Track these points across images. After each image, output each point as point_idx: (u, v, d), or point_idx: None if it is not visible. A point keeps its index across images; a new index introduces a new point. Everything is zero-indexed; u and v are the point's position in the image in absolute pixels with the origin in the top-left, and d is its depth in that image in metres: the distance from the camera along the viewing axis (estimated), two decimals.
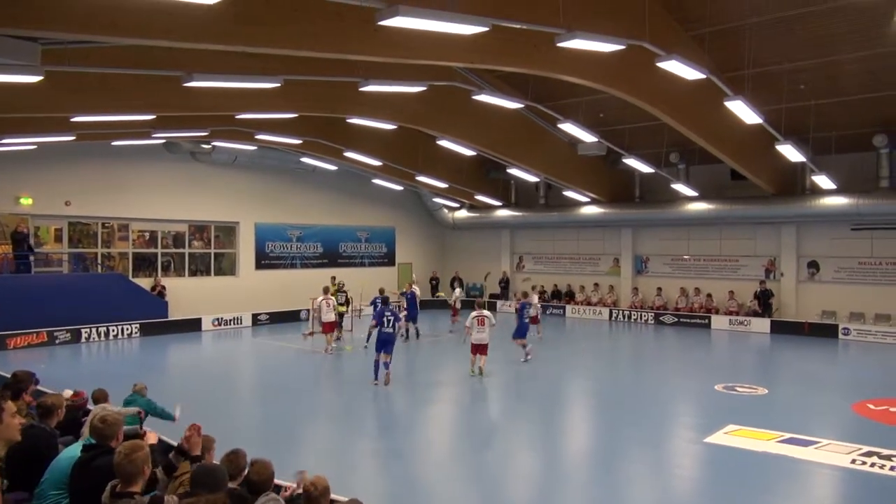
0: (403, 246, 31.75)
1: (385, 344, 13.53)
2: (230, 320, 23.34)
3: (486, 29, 9.32)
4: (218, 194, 24.11)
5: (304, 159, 24.52)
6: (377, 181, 27.88)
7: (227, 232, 25.20)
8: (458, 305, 23.13)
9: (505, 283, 31.05)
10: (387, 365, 13.49)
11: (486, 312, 14.72)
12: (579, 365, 17.58)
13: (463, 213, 31.73)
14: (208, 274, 24.69)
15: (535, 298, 19.73)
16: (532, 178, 26.48)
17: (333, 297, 18.68)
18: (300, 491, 4.84)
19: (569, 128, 18.61)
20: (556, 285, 30.09)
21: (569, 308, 28.49)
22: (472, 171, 27.62)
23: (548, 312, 28.61)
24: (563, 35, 10.85)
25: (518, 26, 10.66)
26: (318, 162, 24.77)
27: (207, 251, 24.70)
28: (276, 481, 5.04)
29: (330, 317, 18.05)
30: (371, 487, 7.98)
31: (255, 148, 22.81)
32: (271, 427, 10.59)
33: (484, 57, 13.21)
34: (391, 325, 13.67)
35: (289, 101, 16.17)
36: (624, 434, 10.46)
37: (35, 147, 18.74)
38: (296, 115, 18.08)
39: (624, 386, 14.73)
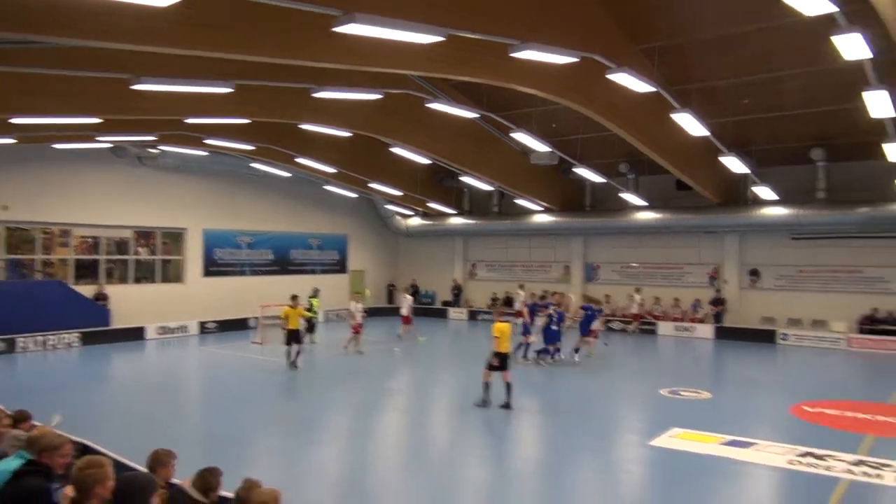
0: (356, 253, 31.56)
1: None
2: (176, 329, 22.79)
3: (441, 38, 9.41)
4: (165, 200, 23.56)
5: (255, 165, 24.19)
6: (330, 188, 27.71)
7: (174, 238, 24.63)
8: (405, 312, 22.91)
9: (457, 291, 31.17)
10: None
11: None
12: (527, 372, 17.75)
13: (416, 221, 31.76)
14: (154, 281, 24.07)
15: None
16: (485, 187, 26.73)
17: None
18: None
19: (522, 137, 18.90)
20: (507, 292, 30.33)
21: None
22: (426, 178, 27.71)
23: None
24: (516, 46, 11.03)
25: (473, 36, 10.77)
26: (270, 168, 24.48)
27: (153, 258, 24.08)
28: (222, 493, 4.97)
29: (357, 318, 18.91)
30: (323, 498, 7.91)
31: (204, 153, 22.39)
32: (217, 438, 10.38)
33: (439, 66, 13.30)
34: None
35: (241, 107, 15.96)
36: (572, 439, 10.62)
37: None
38: (247, 121, 17.84)
39: (573, 392, 14.95)
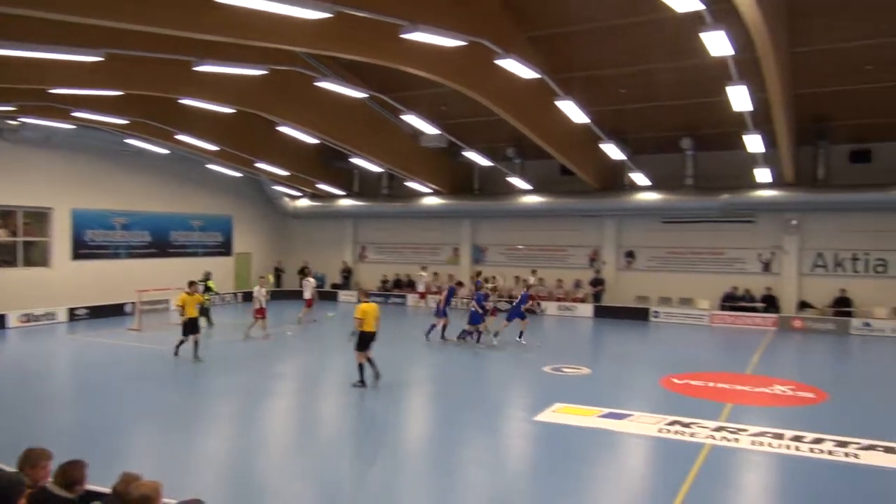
0: (242, 235, 30.49)
1: None
2: (42, 316, 21.16)
3: (329, 15, 9.22)
4: (27, 177, 21.68)
5: (130, 141, 22.74)
6: (213, 167, 26.53)
7: (39, 218, 22.73)
8: (308, 295, 22.75)
9: (347, 274, 30.92)
10: None
11: None
12: (417, 353, 17.97)
13: (305, 202, 31.12)
14: (15, 265, 22.15)
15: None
16: (375, 169, 26.57)
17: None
18: None
19: (412, 119, 18.91)
20: (397, 274, 30.45)
21: (410, 297, 28.94)
22: (315, 159, 27.18)
23: (389, 302, 28.93)
24: (406, 27, 11.01)
25: (362, 15, 10.64)
26: (147, 144, 23.10)
27: (14, 240, 22.14)
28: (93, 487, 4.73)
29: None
30: (208, 487, 7.68)
31: (72, 127, 20.77)
32: (90, 430, 9.79)
33: (327, 44, 13.04)
34: None
35: (112, 77, 14.94)
36: (460, 418, 10.88)
37: None
38: (121, 93, 16.72)
39: (461, 372, 15.29)
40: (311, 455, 9.04)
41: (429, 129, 19.69)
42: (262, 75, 15.65)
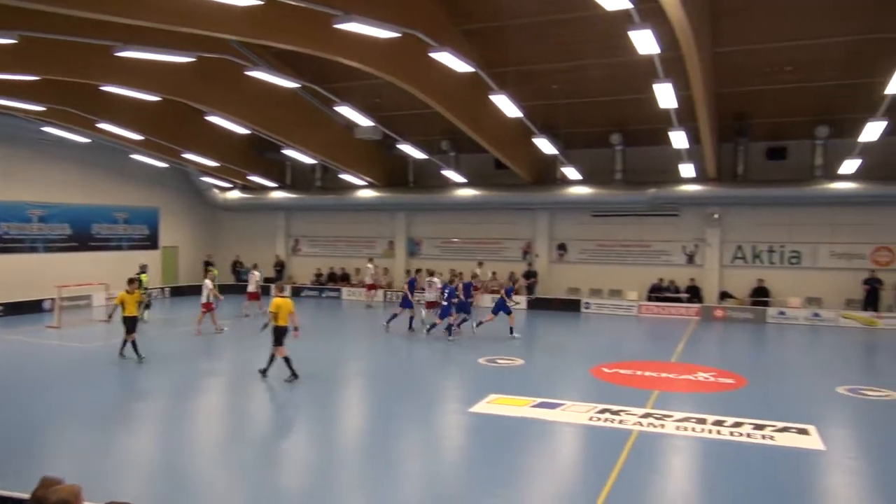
0: (169, 228, 29.47)
1: None
2: None
3: (261, 2, 9.01)
4: None
5: (48, 129, 21.62)
6: (137, 157, 25.51)
7: None
8: (253, 288, 22.42)
9: (280, 267, 30.39)
10: None
11: None
12: (354, 347, 17.88)
13: (235, 194, 30.38)
14: None
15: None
16: (308, 160, 26.15)
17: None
18: None
19: (345, 111, 18.71)
20: (332, 268, 30.13)
21: (345, 290, 28.71)
22: (246, 150, 26.54)
23: (323, 296, 28.63)
24: (339, 17, 10.88)
25: (295, 3, 10.45)
26: (66, 133, 22.02)
27: None
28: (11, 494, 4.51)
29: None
30: (131, 488, 7.43)
31: None
32: (5, 433, 9.30)
33: (258, 32, 12.76)
34: None
35: (27, 61, 14.18)
36: (397, 411, 10.89)
37: None
38: (37, 78, 15.87)
39: (397, 365, 15.29)
40: (242, 452, 8.86)
41: (363, 120, 19.53)
42: (190, 63, 15.15)
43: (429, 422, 10.36)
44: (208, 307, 18.04)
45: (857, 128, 17.94)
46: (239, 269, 30.43)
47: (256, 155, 27.48)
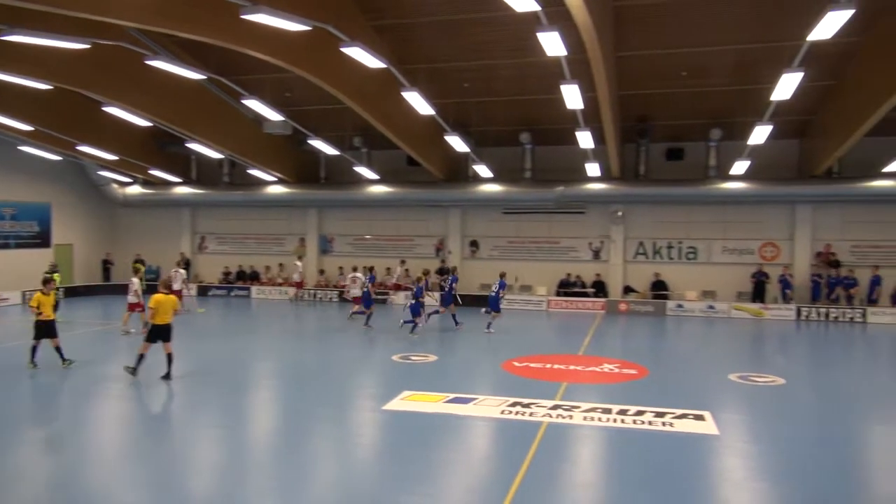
0: (62, 225, 27.73)
1: None
2: None
3: None
4: None
5: None
6: (26, 148, 23.81)
7: None
8: (178, 286, 21.55)
9: (186, 265, 29.24)
10: None
11: None
12: (264, 346, 17.47)
13: (136, 189, 28.97)
14: None
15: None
16: (215, 155, 25.27)
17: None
18: None
19: (254, 104, 18.22)
20: (240, 266, 29.29)
21: (254, 289, 28.00)
22: (147, 143, 25.34)
23: (232, 294, 27.81)
24: (247, 7, 10.60)
25: None
26: None
27: None
28: None
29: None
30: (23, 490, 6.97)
31: None
32: None
33: (160, 19, 12.23)
34: None
35: None
36: (309, 411, 10.73)
37: None
38: None
39: (310, 364, 15.06)
40: (145, 458, 8.48)
41: (272, 115, 19.07)
42: (85, 50, 14.32)
43: (342, 421, 10.26)
44: (136, 306, 17.40)
45: (747, 131, 19.16)
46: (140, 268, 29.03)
47: (159, 148, 26.29)
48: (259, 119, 21.04)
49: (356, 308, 20.33)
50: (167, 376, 12.07)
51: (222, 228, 30.13)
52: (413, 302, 18.10)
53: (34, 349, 13.01)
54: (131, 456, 8.72)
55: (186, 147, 24.69)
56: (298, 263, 26.33)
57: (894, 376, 15.05)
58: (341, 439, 9.43)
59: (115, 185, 28.83)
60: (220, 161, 27.41)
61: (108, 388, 12.06)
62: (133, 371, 12.14)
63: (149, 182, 28.50)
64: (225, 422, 10.28)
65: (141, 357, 12.13)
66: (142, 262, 26.46)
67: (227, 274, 28.92)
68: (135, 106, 18.94)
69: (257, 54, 14.16)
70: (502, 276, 20.01)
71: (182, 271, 22.57)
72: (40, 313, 12.76)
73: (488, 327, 18.70)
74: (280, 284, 28.13)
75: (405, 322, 18.07)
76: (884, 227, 23.61)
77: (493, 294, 19.32)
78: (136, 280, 17.87)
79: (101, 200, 29.43)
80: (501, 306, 19.76)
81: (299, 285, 26.43)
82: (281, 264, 28.65)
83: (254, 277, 28.88)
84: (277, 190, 27.21)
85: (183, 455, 8.76)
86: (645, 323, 21.89)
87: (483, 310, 19.55)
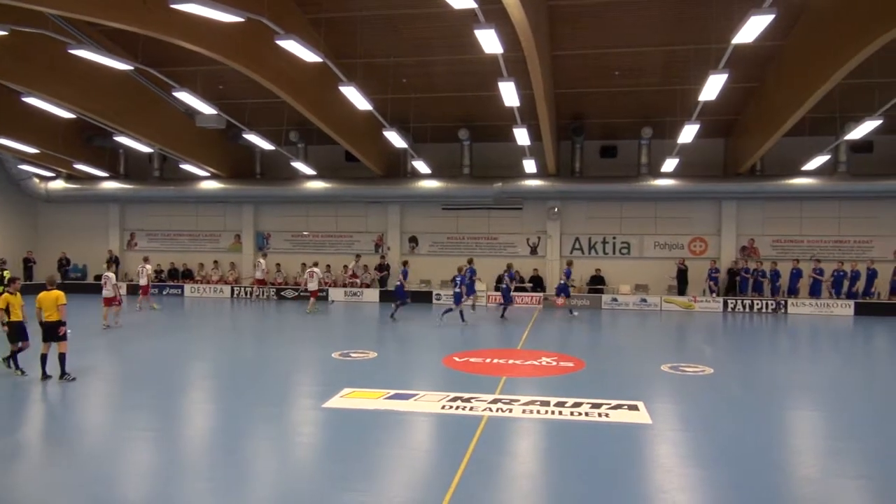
0: None
1: None
2: None
3: None
4: None
5: None
6: None
7: None
8: (144, 282, 22.10)
9: (115, 263, 28.22)
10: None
11: None
12: (199, 346, 17.03)
13: (60, 184, 27.76)
14: None
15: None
16: (144, 149, 24.42)
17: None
18: None
19: (185, 97, 17.70)
20: (172, 263, 28.45)
21: (187, 287, 27.24)
22: (72, 136, 24.31)
23: (164, 293, 26.98)
24: None
25: None
26: None
27: None
28: None
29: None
30: None
31: None
32: None
33: (83, 7, 11.73)
34: None
35: None
36: (246, 410, 10.53)
37: None
38: None
39: (246, 363, 14.76)
40: (72, 464, 8.15)
41: (205, 108, 18.56)
42: (3, 37, 13.60)
43: (280, 420, 10.11)
44: (114, 300, 17.62)
45: (676, 130, 19.83)
46: (66, 268, 27.89)
47: (85, 142, 25.28)
48: (191, 112, 20.46)
49: (395, 304, 20.91)
50: (63, 376, 11.78)
51: (153, 225, 29.20)
52: (457, 291, 19.67)
53: (15, 355, 12.30)
54: (46, 465, 8.36)
55: (114, 140, 23.81)
56: (261, 261, 25.93)
57: (813, 364, 15.89)
58: (279, 439, 9.29)
59: (36, 180, 27.56)
60: (150, 155, 26.55)
61: (26, 390, 11.52)
62: (46, 377, 11.79)
63: (73, 177, 27.35)
64: (154, 424, 9.97)
65: (44, 357, 11.82)
66: (32, 261, 26.05)
67: (158, 272, 28.03)
68: (57, 97, 18.12)
69: (188, 45, 13.77)
70: (509, 266, 22.12)
71: (148, 266, 22.50)
72: (7, 315, 12.12)
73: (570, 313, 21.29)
74: (217, 282, 27.46)
75: (446, 312, 19.84)
76: (803, 223, 24.88)
77: (504, 287, 21.28)
78: (112, 275, 18.38)
79: (21, 196, 28.07)
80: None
81: (261, 283, 26.06)
82: (216, 261, 27.97)
83: (187, 276, 28.08)
84: (211, 185, 26.54)
85: (107, 461, 8.45)
86: (581, 316, 22.38)
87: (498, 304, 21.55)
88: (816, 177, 23.03)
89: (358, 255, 26.71)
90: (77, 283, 27.17)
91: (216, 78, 19.83)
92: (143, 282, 22.09)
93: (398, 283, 20.60)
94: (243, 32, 13.89)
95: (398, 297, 20.48)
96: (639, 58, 18.83)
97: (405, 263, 21.90)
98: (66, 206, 29.22)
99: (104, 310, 17.99)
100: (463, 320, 19.66)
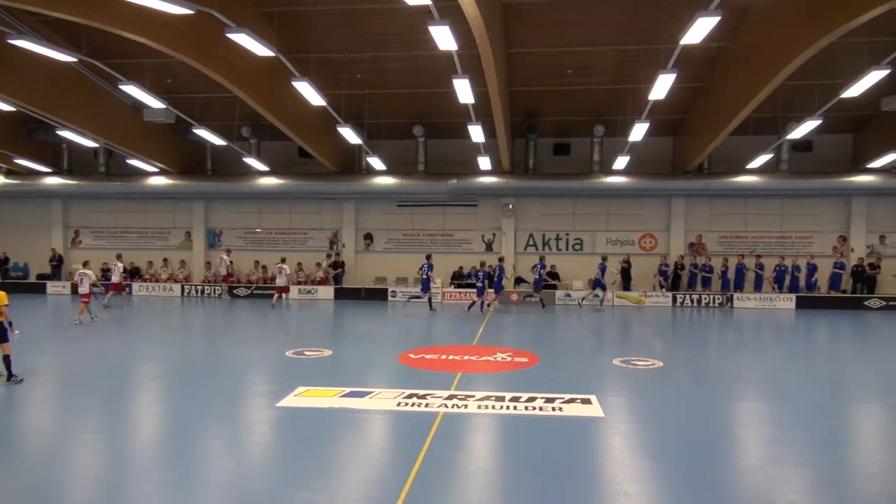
0: None
1: None
2: None
3: None
4: None
5: None
6: None
7: None
8: (117, 279, 22.07)
9: (58, 262, 27.30)
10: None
11: None
12: (147, 346, 16.63)
13: None
14: None
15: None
16: (89, 143, 23.67)
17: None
18: None
19: (132, 90, 17.22)
20: (104, 263, 27.70)
21: (136, 286, 26.55)
22: (11, 129, 23.43)
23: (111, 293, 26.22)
24: None
25: None
26: None
27: None
28: None
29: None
30: None
31: None
32: None
33: None
34: None
35: None
36: (198, 411, 10.33)
37: None
38: None
39: (197, 362, 14.49)
40: (14, 470, 7.87)
41: (153, 101, 18.09)
42: None
43: (233, 420, 9.95)
44: (88, 297, 17.75)
45: (627, 128, 20.22)
46: (6, 267, 26.90)
47: (25, 135, 24.36)
48: (139, 106, 19.91)
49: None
50: (9, 378, 11.38)
51: (98, 222, 28.35)
52: (497, 282, 21.56)
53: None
54: (8, 464, 8.06)
55: (57, 134, 23.00)
56: (227, 257, 25.55)
57: (758, 356, 16.42)
58: (232, 439, 9.15)
59: None
60: (95, 150, 25.75)
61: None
62: (10, 378, 11.40)
63: (13, 172, 26.34)
64: (102, 426, 9.70)
65: (6, 359, 11.35)
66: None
67: (105, 270, 27.23)
68: None
69: (135, 37, 13.42)
70: (501, 260, 22.93)
71: (120, 264, 22.42)
72: None
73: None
74: (166, 281, 26.84)
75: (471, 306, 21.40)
76: (748, 220, 25.67)
77: (537, 278, 22.63)
78: (90, 272, 18.49)
79: None
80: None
81: (227, 279, 25.71)
82: (165, 259, 27.34)
83: (135, 274, 27.37)
84: (160, 181, 25.91)
85: (55, 465, 8.19)
86: (536, 312, 22.63)
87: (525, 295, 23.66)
88: (760, 175, 23.81)
89: (329, 255, 26.51)
90: (18, 283, 26.20)
91: (165, 71, 19.35)
92: (115, 279, 22.22)
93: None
94: (193, 25, 13.59)
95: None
96: (591, 57, 19.12)
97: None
98: (5, 203, 28.12)
99: (82, 305, 18.14)
100: (481, 310, 21.78)
